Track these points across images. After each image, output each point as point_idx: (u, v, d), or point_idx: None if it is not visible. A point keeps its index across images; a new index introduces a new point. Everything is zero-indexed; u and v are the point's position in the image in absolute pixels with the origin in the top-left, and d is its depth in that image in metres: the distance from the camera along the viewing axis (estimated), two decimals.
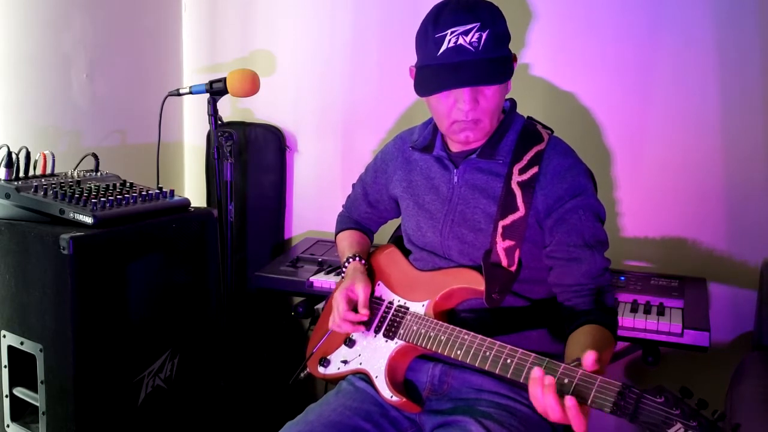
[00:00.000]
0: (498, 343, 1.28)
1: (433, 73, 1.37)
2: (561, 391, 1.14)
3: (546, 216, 1.42)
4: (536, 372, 1.16)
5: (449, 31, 1.34)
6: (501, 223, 1.42)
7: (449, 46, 1.34)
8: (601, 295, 1.41)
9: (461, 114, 1.39)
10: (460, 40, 1.33)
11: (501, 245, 1.41)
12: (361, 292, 1.52)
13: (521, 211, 1.41)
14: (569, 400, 1.10)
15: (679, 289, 2.06)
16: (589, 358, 1.13)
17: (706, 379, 2.13)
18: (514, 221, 1.41)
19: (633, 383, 1.10)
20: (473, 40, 1.32)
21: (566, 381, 1.14)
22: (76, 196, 1.80)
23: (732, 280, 2.20)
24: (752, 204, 2.16)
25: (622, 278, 2.14)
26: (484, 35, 1.33)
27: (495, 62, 1.35)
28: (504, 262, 1.41)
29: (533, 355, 1.21)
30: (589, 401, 1.11)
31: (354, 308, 1.52)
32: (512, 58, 1.40)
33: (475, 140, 1.45)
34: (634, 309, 1.93)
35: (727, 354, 2.17)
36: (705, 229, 2.23)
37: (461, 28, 1.33)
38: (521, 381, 1.21)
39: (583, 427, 1.11)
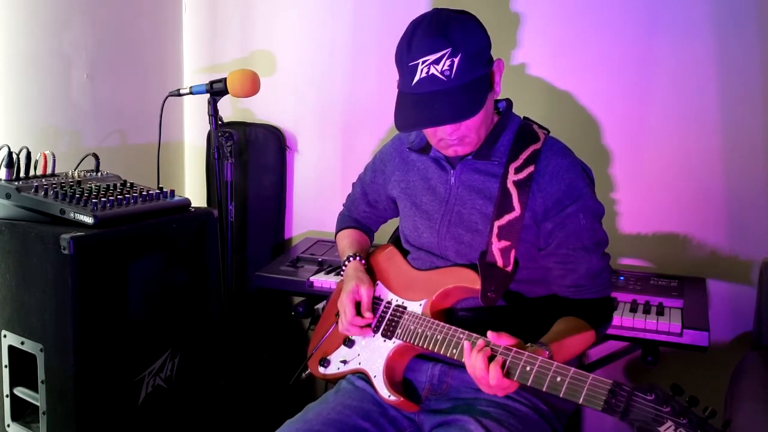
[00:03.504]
0: (493, 342, 1.28)
1: (409, 106, 1.35)
2: (552, 388, 1.17)
3: (544, 218, 1.43)
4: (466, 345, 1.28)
5: (420, 61, 1.32)
6: (496, 224, 1.42)
7: (422, 76, 1.32)
8: (597, 292, 1.44)
9: (445, 134, 1.40)
10: (432, 70, 1.31)
11: (496, 245, 1.41)
12: (364, 294, 1.53)
13: (517, 211, 1.41)
14: (494, 364, 1.21)
15: (679, 289, 2.06)
16: (491, 334, 1.25)
17: (706, 378, 2.14)
18: (509, 221, 1.42)
19: (632, 383, 1.10)
20: (445, 69, 1.30)
21: (558, 379, 1.17)
22: (77, 196, 1.80)
23: (731, 279, 2.20)
24: (752, 203, 2.16)
25: (621, 278, 2.14)
26: (456, 60, 1.30)
27: (469, 89, 1.32)
28: (500, 263, 1.41)
29: (527, 353, 1.22)
30: (581, 399, 1.13)
31: (359, 310, 1.53)
32: (490, 73, 1.38)
33: (464, 153, 1.46)
34: (633, 309, 1.94)
35: (727, 354, 2.18)
36: (704, 228, 2.23)
37: (432, 57, 1.31)
38: (515, 379, 1.22)
39: (495, 383, 1.21)
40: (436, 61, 1.31)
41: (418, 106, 1.34)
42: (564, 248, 1.42)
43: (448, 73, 1.31)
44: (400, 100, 1.39)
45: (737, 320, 2.21)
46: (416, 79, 1.33)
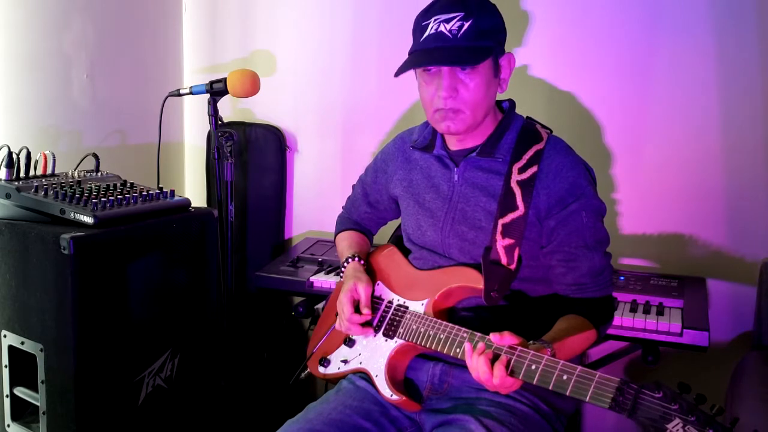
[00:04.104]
0: (496, 343, 1.28)
1: (411, 58, 1.40)
2: (559, 386, 1.17)
3: (547, 216, 1.43)
4: (467, 346, 1.28)
5: (433, 19, 1.37)
6: (501, 222, 1.42)
7: (431, 32, 1.37)
8: (599, 291, 1.44)
9: (441, 102, 1.40)
10: (441, 27, 1.35)
11: (501, 243, 1.42)
12: (362, 292, 1.53)
13: (521, 209, 1.41)
14: (498, 364, 1.21)
15: (679, 288, 2.07)
16: (493, 335, 1.25)
17: (706, 378, 2.14)
18: (513, 219, 1.42)
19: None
20: (453, 27, 1.35)
21: (565, 377, 1.16)
22: (77, 196, 1.80)
23: (731, 279, 2.21)
24: (752, 203, 2.16)
25: (622, 278, 2.14)
26: (467, 24, 1.34)
27: (470, 50, 1.35)
28: (504, 260, 1.41)
29: (531, 352, 1.22)
30: (588, 397, 1.13)
31: (357, 309, 1.53)
32: (496, 51, 1.40)
33: (456, 131, 1.45)
34: (633, 309, 1.94)
35: (727, 353, 2.18)
36: (705, 228, 2.23)
37: (444, 16, 1.36)
38: (521, 378, 1.22)
39: (498, 383, 1.21)
40: (447, 20, 1.35)
41: (417, 56, 1.38)
42: (566, 246, 1.42)
43: (455, 32, 1.34)
44: (407, 59, 1.41)
45: (737, 320, 2.21)
46: (425, 35, 1.38)
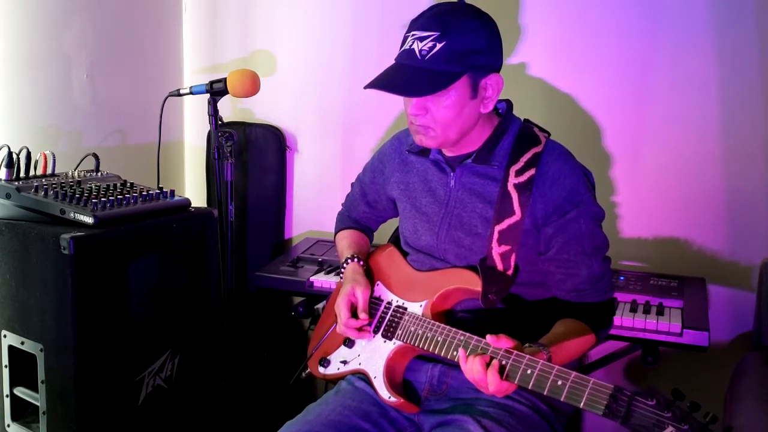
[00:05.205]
0: (493, 345, 1.28)
1: (384, 72, 1.38)
2: (553, 391, 1.17)
3: (544, 224, 1.42)
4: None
5: (411, 34, 1.35)
6: (497, 228, 1.41)
7: (405, 48, 1.36)
8: (598, 296, 1.44)
9: (410, 115, 1.41)
10: (415, 45, 1.33)
11: (497, 250, 1.41)
12: (360, 296, 1.53)
13: (517, 215, 1.40)
14: (491, 369, 1.22)
15: (679, 289, 2.07)
16: (490, 337, 1.26)
17: (706, 378, 2.14)
18: (510, 225, 1.41)
19: (632, 383, 1.11)
20: (423, 48, 1.32)
21: (560, 383, 1.16)
22: (77, 196, 1.80)
23: (731, 280, 2.20)
24: (751, 204, 2.16)
25: (621, 278, 2.14)
26: (439, 46, 1.31)
27: (432, 75, 1.32)
28: (500, 267, 1.40)
29: (527, 356, 1.22)
30: (582, 403, 1.13)
31: (355, 313, 1.53)
32: (473, 75, 1.35)
33: (429, 146, 1.45)
34: (633, 309, 1.94)
35: (727, 354, 2.18)
36: (704, 230, 2.23)
37: (421, 33, 1.33)
38: (516, 382, 1.22)
39: (494, 389, 1.21)
40: (422, 39, 1.33)
41: (387, 73, 1.37)
42: (564, 253, 1.41)
43: (424, 53, 1.32)
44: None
45: (737, 320, 2.21)
46: (401, 49, 1.37)
